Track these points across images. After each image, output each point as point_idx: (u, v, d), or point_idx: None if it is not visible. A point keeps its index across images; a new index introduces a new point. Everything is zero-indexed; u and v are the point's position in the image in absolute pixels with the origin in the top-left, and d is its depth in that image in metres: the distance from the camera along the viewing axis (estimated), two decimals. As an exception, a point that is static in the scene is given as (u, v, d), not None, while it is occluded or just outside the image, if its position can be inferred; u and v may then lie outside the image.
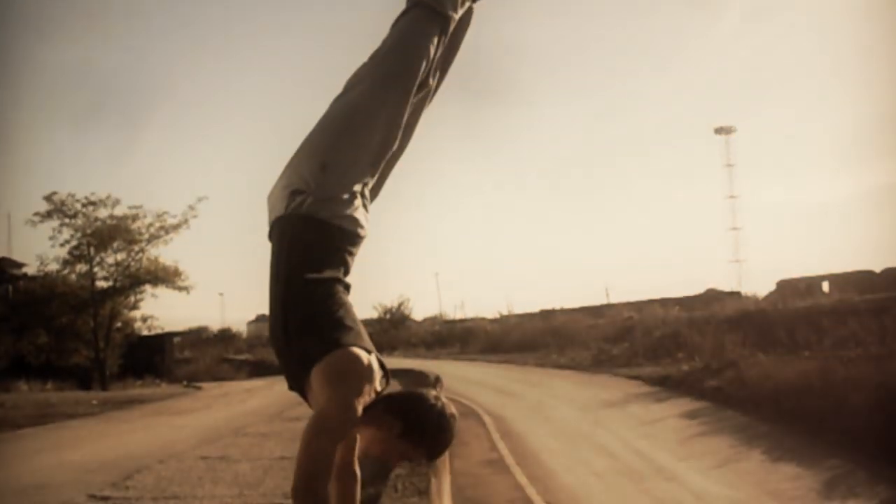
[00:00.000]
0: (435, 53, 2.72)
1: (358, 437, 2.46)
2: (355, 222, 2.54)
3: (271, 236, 2.57)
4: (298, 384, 2.45)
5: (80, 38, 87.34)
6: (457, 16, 2.78)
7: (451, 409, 2.44)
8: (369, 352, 2.38)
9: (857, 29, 78.14)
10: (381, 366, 2.42)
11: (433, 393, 2.47)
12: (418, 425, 2.35)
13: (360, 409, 2.25)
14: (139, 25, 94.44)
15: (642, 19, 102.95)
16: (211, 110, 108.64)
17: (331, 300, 2.40)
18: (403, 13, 2.77)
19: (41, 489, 7.75)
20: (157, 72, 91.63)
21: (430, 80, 2.79)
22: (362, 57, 2.71)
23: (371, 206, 2.69)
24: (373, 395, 2.35)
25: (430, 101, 2.91)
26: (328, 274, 2.44)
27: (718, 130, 60.41)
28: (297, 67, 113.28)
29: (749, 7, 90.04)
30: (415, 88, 2.69)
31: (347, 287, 2.50)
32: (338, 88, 2.70)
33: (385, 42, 2.73)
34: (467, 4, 2.85)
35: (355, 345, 2.34)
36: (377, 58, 2.71)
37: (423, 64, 2.68)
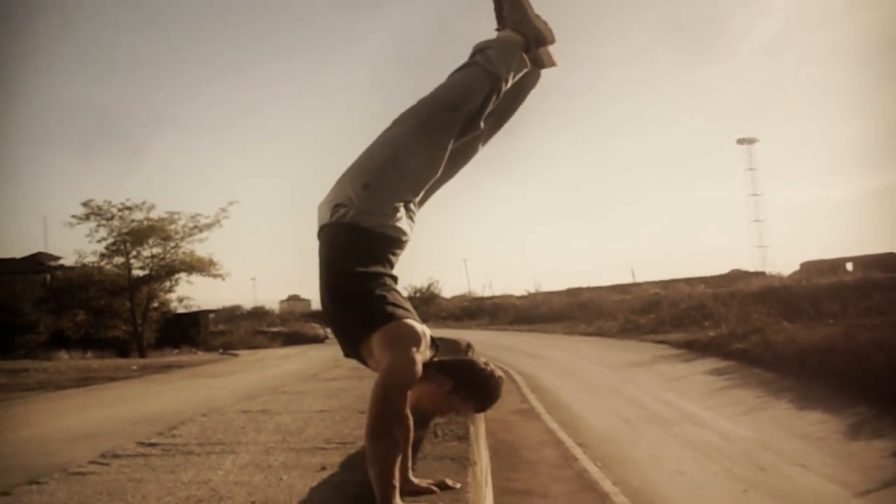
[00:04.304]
0: (484, 105, 2.94)
1: (409, 392, 2.69)
2: (398, 230, 2.76)
3: (319, 237, 2.88)
4: (355, 350, 2.75)
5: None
6: (511, 78, 3.04)
7: (499, 372, 2.74)
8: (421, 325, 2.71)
9: (869, 57, 79.03)
10: (432, 338, 2.74)
11: (482, 359, 2.79)
12: (468, 383, 2.61)
13: (420, 366, 2.55)
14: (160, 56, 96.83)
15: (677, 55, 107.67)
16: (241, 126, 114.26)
17: (382, 288, 2.68)
18: (461, 66, 3.02)
19: (91, 438, 8.01)
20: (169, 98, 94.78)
21: (479, 125, 3.03)
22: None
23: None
24: (426, 359, 2.66)
25: (486, 142, 3.18)
26: (374, 269, 2.72)
27: (741, 141, 64.48)
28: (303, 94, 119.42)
29: (763, 39, 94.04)
30: (456, 131, 2.94)
31: (395, 279, 2.80)
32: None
33: (437, 87, 2.96)
34: (524, 70, 3.08)
35: (409, 318, 2.65)
36: (426, 100, 2.93)
37: (467, 113, 2.90)
